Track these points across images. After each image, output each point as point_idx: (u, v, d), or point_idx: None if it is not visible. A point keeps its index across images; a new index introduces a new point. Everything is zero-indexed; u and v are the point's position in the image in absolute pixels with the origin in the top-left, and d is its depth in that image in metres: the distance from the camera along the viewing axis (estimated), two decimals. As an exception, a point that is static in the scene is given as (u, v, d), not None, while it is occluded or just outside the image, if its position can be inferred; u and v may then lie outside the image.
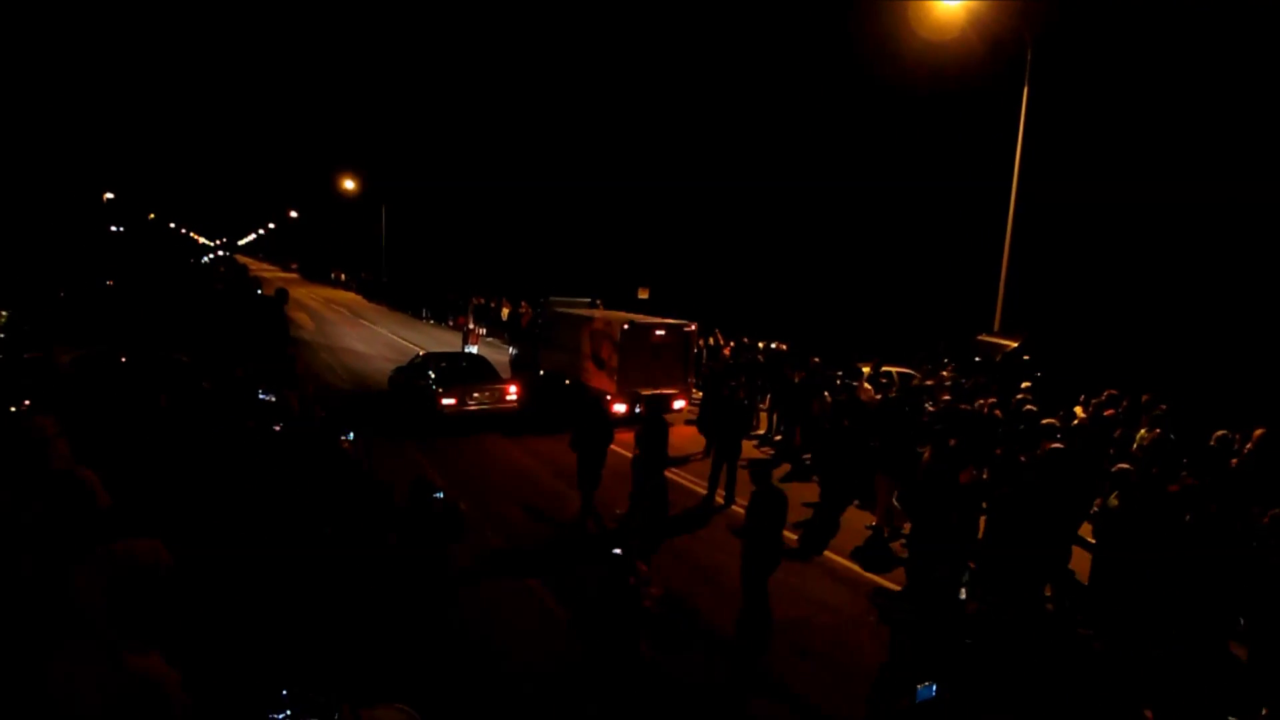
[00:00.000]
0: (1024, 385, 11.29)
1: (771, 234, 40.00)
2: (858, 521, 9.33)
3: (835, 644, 6.26)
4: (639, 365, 13.55)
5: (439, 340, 25.17)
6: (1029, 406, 9.35)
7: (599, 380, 13.91)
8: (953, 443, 7.20)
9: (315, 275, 67.95)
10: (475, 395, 13.38)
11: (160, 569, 2.44)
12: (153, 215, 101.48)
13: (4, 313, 14.81)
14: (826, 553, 8.37)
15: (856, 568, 7.97)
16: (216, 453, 5.24)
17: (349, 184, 53.49)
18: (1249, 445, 8.20)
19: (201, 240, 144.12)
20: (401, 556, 4.27)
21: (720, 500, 10.03)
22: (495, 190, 63.95)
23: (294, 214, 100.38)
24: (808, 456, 11.70)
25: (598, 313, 15.69)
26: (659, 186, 47.00)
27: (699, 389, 15.07)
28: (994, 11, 14.81)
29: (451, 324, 30.44)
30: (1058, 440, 7.63)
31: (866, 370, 13.50)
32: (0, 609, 2.24)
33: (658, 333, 13.95)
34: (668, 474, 11.01)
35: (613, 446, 8.88)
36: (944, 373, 13.47)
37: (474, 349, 20.17)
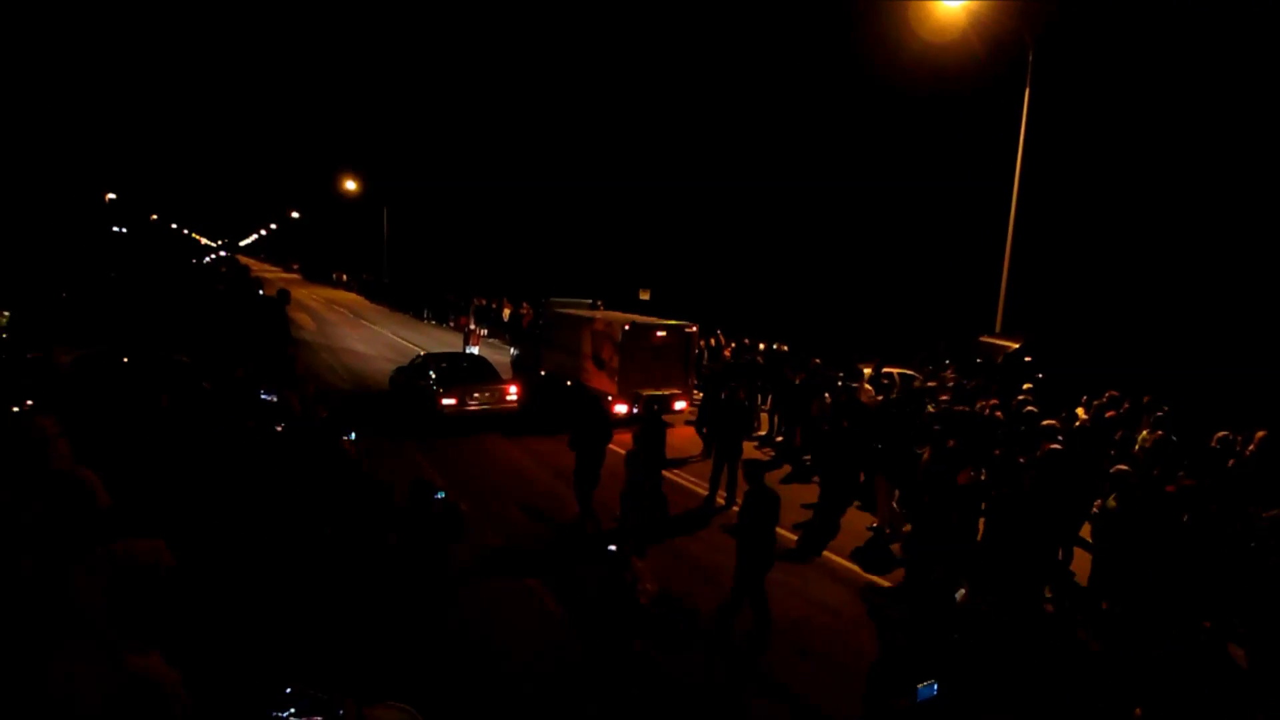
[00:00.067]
0: (1025, 387, 11.29)
1: (773, 234, 40.01)
2: (859, 523, 9.33)
3: (835, 644, 6.26)
4: (640, 366, 13.55)
5: (440, 341, 25.19)
6: (1029, 408, 9.35)
7: (600, 381, 13.92)
8: (951, 444, 7.21)
9: (317, 276, 68.00)
10: (475, 395, 13.39)
11: (161, 569, 2.44)
12: (155, 216, 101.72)
13: (6, 313, 14.83)
14: (827, 554, 8.36)
15: (857, 568, 7.96)
16: (217, 453, 5.25)
17: (350, 185, 53.57)
18: (1251, 447, 8.20)
19: (203, 241, 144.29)
20: (401, 556, 4.27)
21: (721, 501, 10.03)
22: (496, 191, 64.05)
23: (295, 215, 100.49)
24: (808, 458, 11.70)
25: (599, 314, 15.69)
26: (659, 187, 47.04)
27: (699, 390, 15.08)
28: (994, 13, 14.81)
29: (452, 325, 30.46)
30: (1057, 441, 7.63)
31: (868, 371, 13.50)
32: (0, 609, 2.24)
33: (659, 334, 13.95)
34: (669, 475, 11.07)
35: (611, 446, 8.88)
36: (945, 374, 13.47)
37: (475, 350, 20.18)
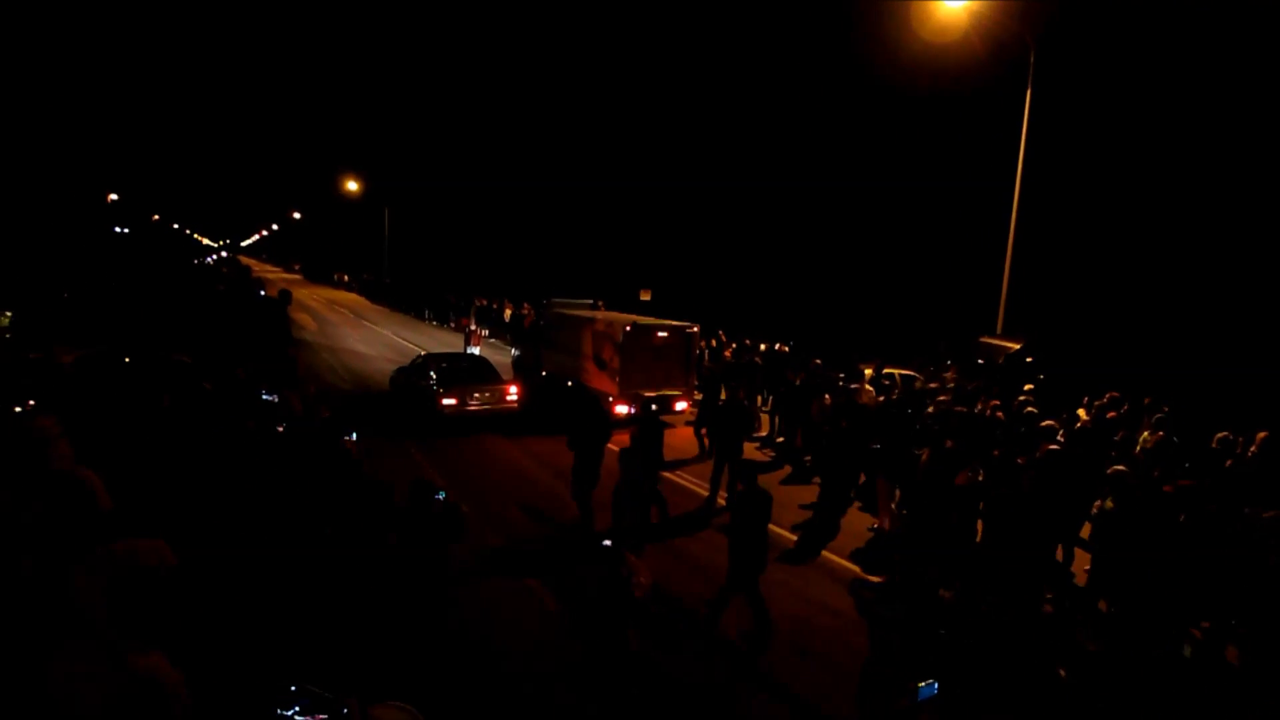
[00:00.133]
0: (1026, 388, 11.28)
1: (774, 235, 40.01)
2: (859, 523, 9.33)
3: (835, 644, 6.25)
4: (641, 367, 13.55)
5: (441, 342, 25.20)
6: (1029, 408, 9.35)
7: (601, 382, 13.92)
8: (949, 444, 7.21)
9: (318, 276, 68.05)
10: (475, 395, 13.40)
11: (163, 569, 2.44)
12: (156, 216, 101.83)
13: (8, 313, 14.85)
14: (828, 554, 8.36)
15: (857, 569, 7.96)
16: (218, 453, 5.25)
17: (352, 185, 53.67)
18: (1253, 448, 8.19)
19: (205, 241, 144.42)
20: (402, 556, 4.27)
21: (722, 502, 10.02)
22: (497, 191, 64.11)
23: (297, 215, 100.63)
24: (809, 458, 11.69)
25: (600, 314, 15.70)
26: (660, 187, 47.06)
27: (699, 391, 15.09)
28: (995, 13, 14.80)
29: (453, 325, 30.48)
30: (1056, 442, 7.63)
31: (869, 372, 13.49)
32: (0, 609, 2.24)
33: (660, 334, 13.95)
34: (670, 476, 11.07)
35: (610, 445, 8.89)
36: (947, 375, 13.46)
37: (476, 350, 20.19)
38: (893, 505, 8.74)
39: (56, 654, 2.07)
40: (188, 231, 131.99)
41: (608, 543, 5.09)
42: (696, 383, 15.06)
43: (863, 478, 9.95)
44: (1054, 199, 22.19)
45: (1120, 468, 6.42)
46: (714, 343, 17.93)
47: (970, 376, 13.11)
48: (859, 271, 34.02)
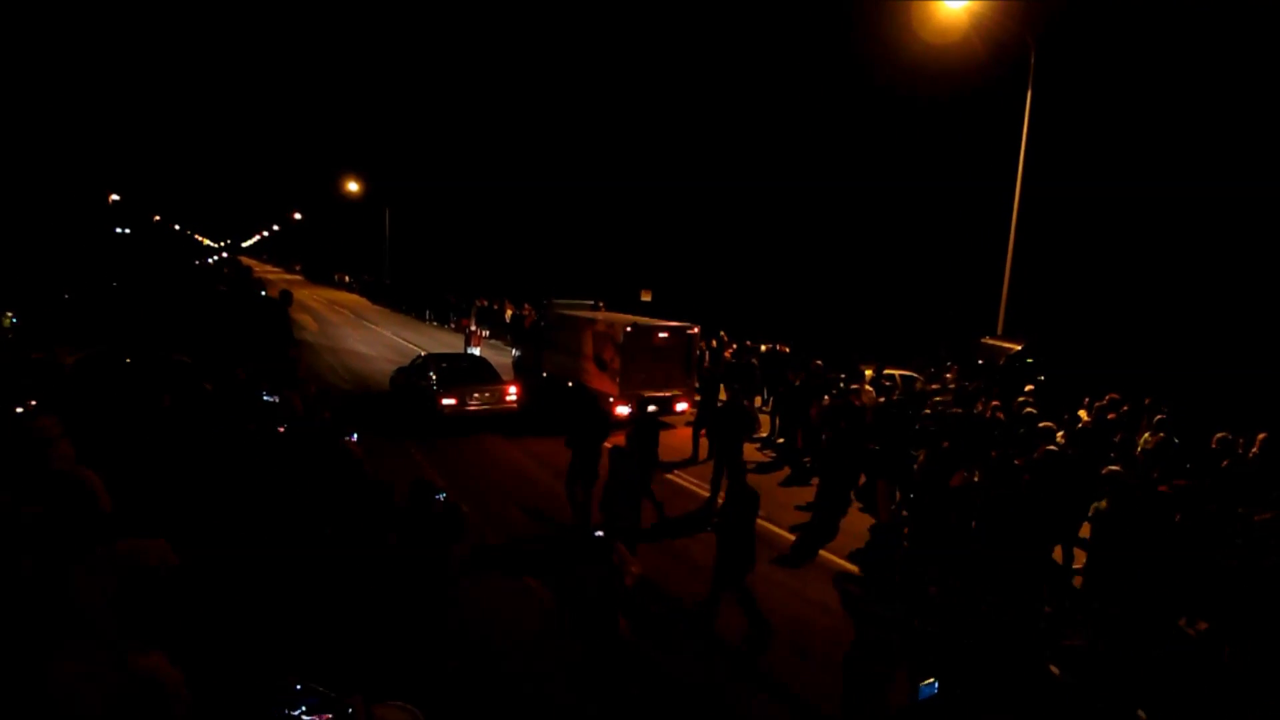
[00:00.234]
0: (1027, 389, 11.27)
1: (775, 235, 40.02)
2: (859, 524, 9.30)
3: (835, 645, 6.23)
4: (642, 367, 13.56)
5: (441, 342, 25.21)
6: (1029, 409, 9.35)
7: (601, 382, 13.92)
8: (946, 445, 7.22)
9: (319, 277, 68.11)
10: (475, 396, 13.41)
11: (164, 569, 2.45)
12: (158, 217, 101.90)
13: (9, 314, 14.87)
14: (828, 555, 8.36)
15: (856, 570, 7.95)
16: (219, 454, 5.26)
17: (353, 186, 53.71)
18: (1254, 450, 8.18)
19: (206, 242, 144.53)
20: (402, 556, 4.27)
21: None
22: (498, 191, 64.18)
23: (298, 216, 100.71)
24: (809, 459, 11.69)
25: (600, 315, 15.70)
26: (661, 187, 47.09)
27: (699, 392, 15.10)
28: (996, 14, 14.81)
29: (454, 326, 30.49)
30: (1054, 443, 7.64)
31: (869, 373, 13.49)
32: (0, 609, 2.25)
33: (660, 335, 13.95)
34: (671, 476, 11.08)
35: (608, 445, 8.89)
36: (947, 375, 13.46)
37: (476, 351, 20.20)
38: (892, 506, 8.74)
39: (56, 654, 2.07)
40: (189, 232, 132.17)
41: (599, 533, 5.13)
42: (697, 384, 15.07)
43: (863, 478, 9.94)
44: (1054, 199, 22.17)
45: (1115, 468, 6.42)
46: (714, 343, 17.92)
47: (970, 377, 13.11)
48: (860, 272, 34.02)
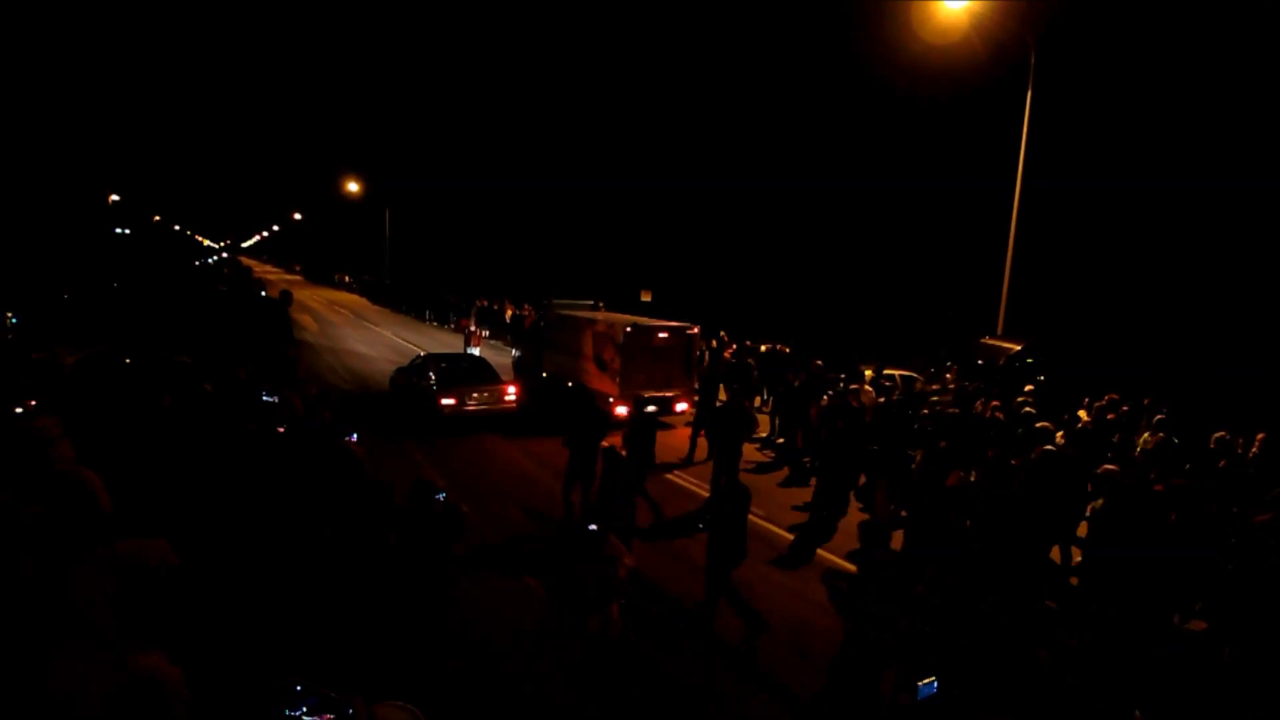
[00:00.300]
0: (1027, 389, 11.27)
1: (775, 235, 40.02)
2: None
3: (835, 645, 6.22)
4: (642, 368, 13.56)
5: (441, 342, 25.21)
6: (1028, 409, 9.35)
7: (601, 383, 13.92)
8: (943, 445, 7.22)
9: (319, 277, 68.11)
10: (474, 396, 13.42)
11: (165, 569, 2.45)
12: (158, 217, 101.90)
13: (9, 315, 14.87)
14: (828, 555, 8.36)
15: (854, 570, 7.95)
16: (219, 454, 5.26)
17: (352, 186, 53.73)
18: (1253, 450, 8.19)
19: (206, 242, 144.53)
20: (402, 556, 4.28)
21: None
22: (498, 191, 64.20)
23: (298, 216, 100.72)
24: (809, 460, 11.69)
25: (600, 315, 15.70)
26: (660, 187, 47.08)
27: (698, 392, 15.11)
28: (996, 14, 14.82)
29: (454, 326, 30.49)
30: (1052, 443, 7.64)
31: (869, 373, 13.49)
32: (0, 609, 2.25)
33: (660, 335, 13.96)
34: (671, 476, 11.08)
35: (606, 444, 8.89)
36: (947, 375, 13.46)
37: (476, 351, 20.20)
38: (891, 506, 8.74)
39: (56, 654, 2.07)
40: (189, 232, 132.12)
41: (593, 526, 5.17)
42: (697, 384, 15.08)
43: (863, 479, 9.95)
44: (1054, 199, 22.18)
45: (1110, 467, 6.43)
46: (714, 343, 17.92)
47: (970, 377, 13.11)
48: (860, 272, 34.02)
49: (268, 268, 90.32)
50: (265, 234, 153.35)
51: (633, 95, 56.82)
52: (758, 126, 45.30)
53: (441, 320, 33.11)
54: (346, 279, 59.57)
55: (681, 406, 14.20)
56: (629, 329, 13.49)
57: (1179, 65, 24.82)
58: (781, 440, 13.05)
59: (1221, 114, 24.12)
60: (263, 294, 25.16)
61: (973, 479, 6.99)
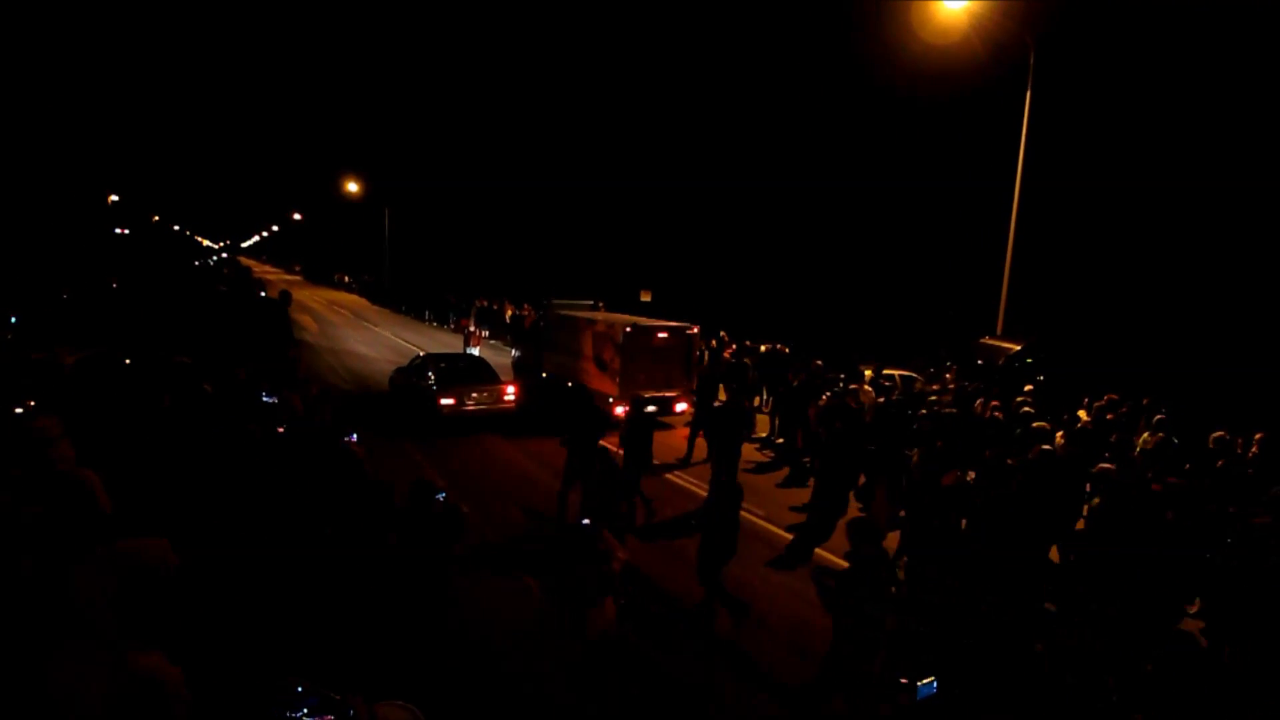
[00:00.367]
0: (1026, 389, 11.27)
1: (775, 235, 40.01)
2: (859, 524, 9.32)
3: (835, 646, 6.26)
4: (642, 368, 13.56)
5: (441, 343, 25.21)
6: (1027, 409, 9.35)
7: (601, 383, 13.93)
8: (940, 445, 7.23)
9: (318, 277, 68.11)
10: (474, 396, 13.43)
11: (165, 569, 2.45)
12: (157, 217, 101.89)
13: (11, 317, 14.87)
14: (827, 555, 8.36)
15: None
16: (219, 454, 5.26)
17: (352, 186, 53.70)
18: (1252, 449, 8.19)
19: (205, 242, 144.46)
20: (402, 556, 4.28)
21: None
22: (498, 191, 64.16)
23: (297, 216, 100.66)
24: (808, 460, 11.69)
25: (600, 315, 15.71)
26: (660, 187, 47.07)
27: (695, 392, 15.11)
28: (996, 14, 14.82)
29: (453, 326, 30.49)
30: (1050, 443, 7.65)
31: (869, 373, 13.49)
32: (0, 609, 2.25)
33: (660, 335, 13.96)
34: (671, 476, 11.09)
35: (604, 443, 8.89)
36: (947, 375, 13.46)
37: (476, 351, 20.20)
38: (890, 506, 8.74)
39: (56, 654, 2.07)
40: (188, 233, 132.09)
41: (587, 521, 5.19)
42: (696, 385, 15.09)
43: (862, 479, 9.95)
44: (1054, 199, 22.20)
45: (1106, 466, 6.43)
46: (713, 343, 17.92)
47: (970, 377, 13.11)
48: (859, 272, 34.02)
49: (267, 268, 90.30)
50: (265, 234, 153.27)
51: (632, 95, 56.84)
52: (757, 126, 45.32)
53: (441, 320, 33.11)
54: (346, 279, 59.57)
55: (681, 407, 14.20)
56: (629, 329, 13.49)
57: (1179, 65, 24.84)
58: (781, 440, 13.05)
59: (1221, 113, 24.14)
60: (262, 294, 25.17)
61: (970, 479, 6.99)
